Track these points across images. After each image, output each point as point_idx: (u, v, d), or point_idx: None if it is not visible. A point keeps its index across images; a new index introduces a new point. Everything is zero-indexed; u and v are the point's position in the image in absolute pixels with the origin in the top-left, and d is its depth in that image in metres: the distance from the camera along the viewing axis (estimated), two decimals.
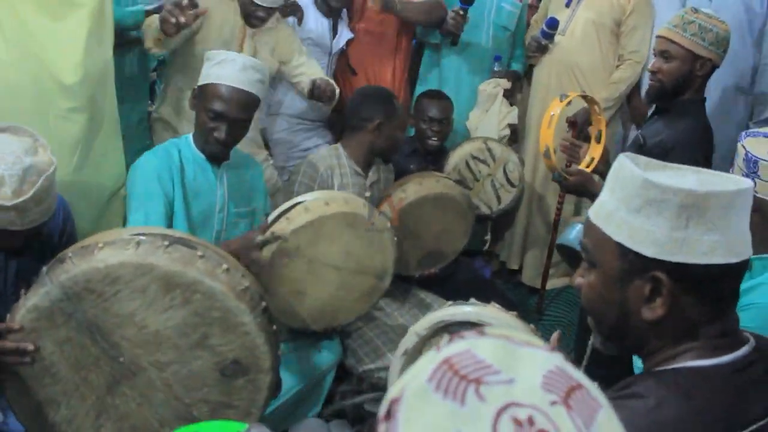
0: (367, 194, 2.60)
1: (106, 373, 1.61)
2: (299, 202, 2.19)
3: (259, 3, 2.76)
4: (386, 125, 2.69)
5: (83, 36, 2.12)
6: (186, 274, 1.56)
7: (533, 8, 3.99)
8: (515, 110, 3.64)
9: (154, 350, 1.60)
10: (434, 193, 2.75)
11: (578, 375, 0.64)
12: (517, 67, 3.86)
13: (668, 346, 1.07)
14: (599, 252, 1.10)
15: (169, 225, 2.17)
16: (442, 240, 2.89)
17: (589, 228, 1.12)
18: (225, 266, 1.62)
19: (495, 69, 3.70)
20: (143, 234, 1.62)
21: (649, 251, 1.03)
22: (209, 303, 1.58)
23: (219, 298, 1.58)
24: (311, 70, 3.08)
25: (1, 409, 1.83)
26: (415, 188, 2.72)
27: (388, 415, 0.58)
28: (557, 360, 0.64)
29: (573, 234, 2.05)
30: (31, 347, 1.56)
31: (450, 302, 1.81)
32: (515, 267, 3.98)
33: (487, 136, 3.42)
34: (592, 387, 0.64)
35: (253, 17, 2.83)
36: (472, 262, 3.59)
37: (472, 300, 1.81)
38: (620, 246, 1.06)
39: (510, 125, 3.58)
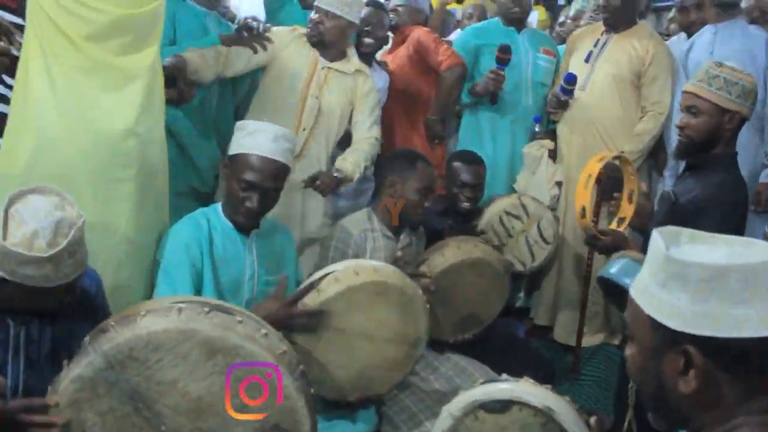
0: (399, 255, 2.62)
1: None
2: (329, 273, 2.22)
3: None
4: (401, 185, 2.74)
5: (137, 104, 2.20)
6: (227, 339, 1.60)
7: None
8: (559, 167, 3.71)
9: (196, 417, 1.63)
10: (472, 258, 2.76)
11: None
12: (552, 124, 3.92)
13: (717, 422, 1.07)
14: (636, 325, 1.13)
15: (197, 294, 2.20)
16: (478, 305, 2.89)
17: (630, 302, 1.16)
18: (263, 331, 1.66)
19: (536, 130, 3.80)
20: (183, 301, 1.66)
21: (674, 324, 1.05)
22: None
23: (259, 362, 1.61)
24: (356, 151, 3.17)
25: None
26: (454, 252, 2.74)
27: None
28: None
29: (615, 268, 2.06)
30: (57, 420, 1.58)
31: (482, 379, 1.80)
32: (546, 324, 3.96)
33: (539, 197, 3.49)
34: None
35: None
36: (505, 321, 3.59)
37: (504, 375, 1.81)
38: (651, 319, 1.09)
39: (557, 182, 3.65)
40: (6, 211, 1.65)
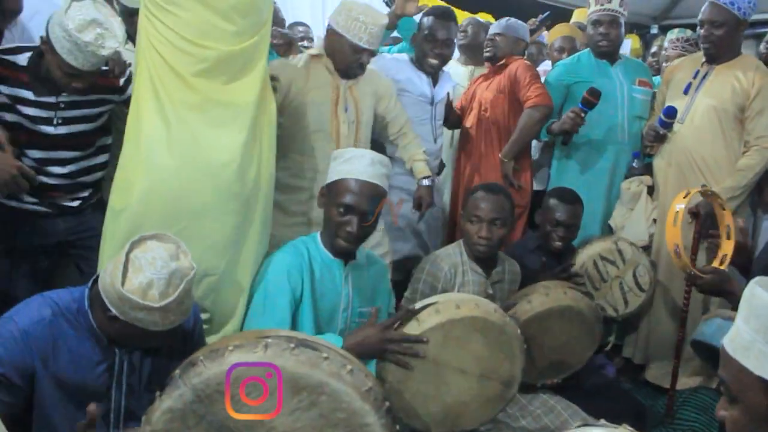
0: (489, 292, 2.61)
1: None
2: (430, 304, 2.22)
3: (363, 46, 2.93)
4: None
5: (242, 140, 2.30)
6: (312, 376, 1.62)
7: None
8: (658, 205, 3.63)
9: None
10: (561, 305, 2.70)
11: None
12: (649, 159, 3.83)
13: None
14: (740, 387, 1.06)
15: (293, 323, 2.26)
16: (566, 351, 2.83)
17: (727, 361, 1.08)
18: (349, 367, 1.67)
19: (634, 165, 3.73)
20: (270, 337, 1.69)
21: None
22: (335, 404, 1.63)
23: (344, 399, 1.63)
24: (411, 143, 3.28)
25: None
26: (541, 300, 2.68)
27: None
28: None
29: (711, 329, 1.99)
30: None
31: (579, 423, 1.75)
32: (640, 362, 3.85)
33: (635, 236, 3.43)
34: None
35: (357, 66, 3.01)
36: (595, 359, 3.52)
37: (603, 421, 1.76)
38: (764, 381, 1.01)
39: (655, 220, 3.58)
40: (127, 256, 1.77)
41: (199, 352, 1.73)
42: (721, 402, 1.14)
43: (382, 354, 2.13)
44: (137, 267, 1.76)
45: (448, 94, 3.79)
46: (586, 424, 1.73)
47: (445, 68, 3.72)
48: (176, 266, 1.81)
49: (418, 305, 2.24)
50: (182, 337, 2.04)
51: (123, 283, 1.75)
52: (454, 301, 2.24)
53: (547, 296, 2.70)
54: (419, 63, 3.58)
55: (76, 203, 2.75)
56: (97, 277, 1.86)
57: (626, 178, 3.76)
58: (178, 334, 1.97)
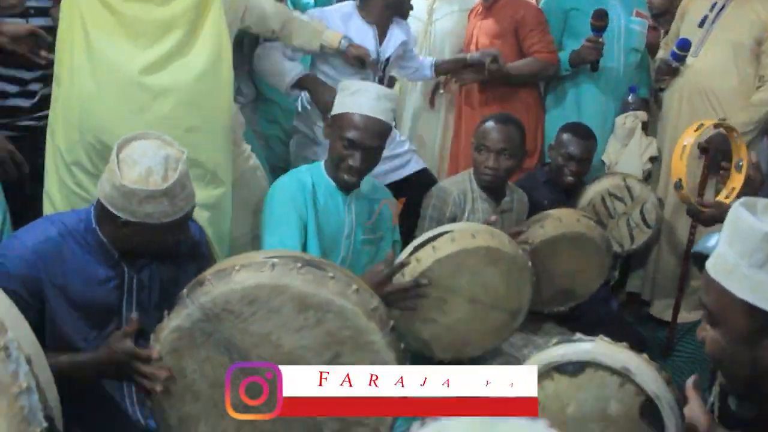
0: (492, 219, 2.62)
1: None
2: (446, 232, 2.24)
3: None
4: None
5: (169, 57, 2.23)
6: (319, 295, 1.66)
7: (653, 29, 3.95)
8: (654, 142, 3.62)
9: None
10: (574, 232, 2.73)
11: None
12: (643, 93, 3.81)
13: None
14: (722, 309, 1.06)
15: (303, 248, 2.30)
16: (575, 280, 2.87)
17: (709, 284, 1.08)
18: (355, 287, 1.71)
19: (630, 100, 3.67)
20: (276, 257, 1.73)
21: None
22: (341, 322, 1.67)
23: (350, 317, 1.67)
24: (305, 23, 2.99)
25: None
26: (554, 225, 2.71)
27: None
28: (541, 428, 0.66)
29: (712, 242, 2.01)
30: (164, 374, 1.70)
31: (556, 339, 1.80)
32: (647, 298, 3.90)
33: (629, 172, 3.40)
34: None
35: None
36: (598, 293, 3.55)
37: (578, 335, 1.80)
38: (746, 304, 1.02)
39: (651, 158, 3.57)
40: (117, 157, 1.77)
41: (206, 271, 1.76)
42: (703, 324, 1.15)
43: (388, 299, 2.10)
44: (131, 162, 1.77)
45: (438, 83, 3.69)
46: (564, 340, 1.76)
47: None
48: (168, 152, 1.81)
49: (432, 232, 2.26)
50: (191, 250, 2.07)
51: (122, 179, 1.75)
52: (470, 230, 2.26)
53: (560, 222, 2.72)
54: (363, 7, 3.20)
55: None
56: (97, 201, 1.87)
57: (621, 113, 3.71)
58: (186, 241, 2.00)
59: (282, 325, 1.68)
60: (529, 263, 2.36)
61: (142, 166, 1.77)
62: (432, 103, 3.81)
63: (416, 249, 2.21)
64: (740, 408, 1.16)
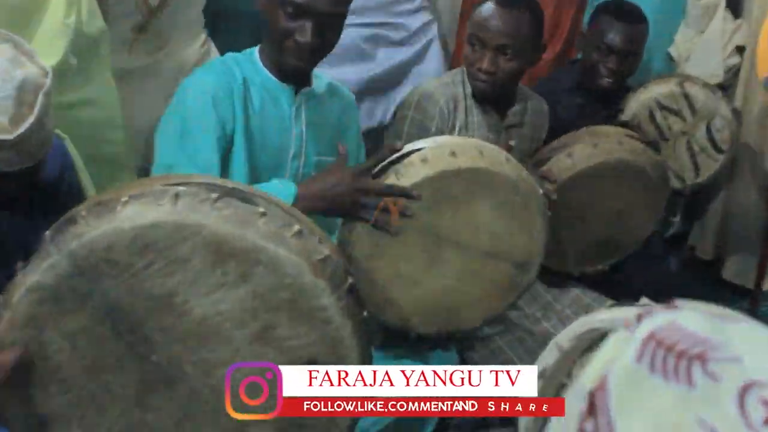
0: (511, 144, 2.54)
1: (133, 377, 1.63)
2: (415, 150, 2.17)
3: None
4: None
5: None
6: (243, 238, 1.57)
7: None
8: (743, 24, 3.54)
9: (199, 346, 1.62)
10: (615, 159, 2.70)
11: None
12: None
13: None
14: None
15: (225, 173, 2.21)
16: (617, 227, 2.85)
17: None
18: (296, 227, 1.62)
19: None
20: (182, 183, 1.63)
21: None
22: (275, 279, 1.58)
23: (289, 271, 1.58)
24: None
25: None
26: (588, 152, 2.67)
27: (592, 409, 0.68)
28: None
29: None
30: (11, 357, 1.58)
31: (612, 302, 1.77)
32: (709, 257, 3.95)
33: (705, 70, 3.37)
34: None
35: None
36: (650, 247, 3.54)
37: (644, 300, 1.78)
38: None
39: (738, 48, 3.50)
40: None
41: (80, 206, 1.65)
42: None
43: (352, 211, 2.10)
44: None
45: None
46: (618, 304, 1.74)
47: None
48: (23, 75, 1.72)
49: (397, 153, 2.18)
50: (47, 185, 2.01)
51: None
52: (449, 146, 2.18)
53: (595, 147, 2.68)
54: None
55: None
56: None
57: None
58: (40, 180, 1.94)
59: (190, 284, 1.59)
60: (540, 191, 2.31)
61: None
62: None
63: (375, 177, 2.14)
64: None
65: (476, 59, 2.66)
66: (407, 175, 2.13)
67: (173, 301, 1.60)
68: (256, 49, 2.38)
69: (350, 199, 2.08)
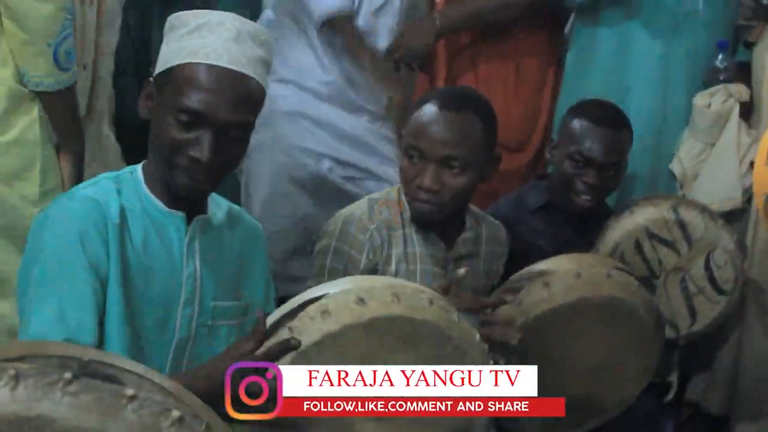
0: (462, 272, 2.58)
1: None
2: (315, 298, 2.18)
3: None
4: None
5: None
6: None
7: None
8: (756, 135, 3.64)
9: None
10: (602, 296, 2.72)
11: None
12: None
13: None
14: None
15: (99, 326, 2.20)
16: (599, 381, 2.87)
17: None
18: (176, 414, 1.62)
19: (718, 65, 3.71)
20: (26, 358, 1.61)
21: None
22: None
23: None
24: None
25: None
26: (569, 283, 2.70)
27: None
28: None
29: None
30: None
31: None
32: (719, 412, 3.94)
33: (718, 192, 3.45)
34: None
35: None
36: (640, 406, 3.57)
37: None
38: None
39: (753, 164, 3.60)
40: None
41: None
42: None
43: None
44: None
45: None
46: None
47: None
48: None
49: (296, 300, 2.21)
50: None
51: None
52: (355, 291, 2.19)
53: (578, 278, 2.70)
54: None
55: None
56: None
57: (704, 85, 3.76)
58: None
59: None
60: (478, 338, 2.31)
61: None
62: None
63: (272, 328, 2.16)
64: None
65: (416, 175, 2.70)
66: (304, 332, 2.13)
67: None
68: (139, 167, 2.40)
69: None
